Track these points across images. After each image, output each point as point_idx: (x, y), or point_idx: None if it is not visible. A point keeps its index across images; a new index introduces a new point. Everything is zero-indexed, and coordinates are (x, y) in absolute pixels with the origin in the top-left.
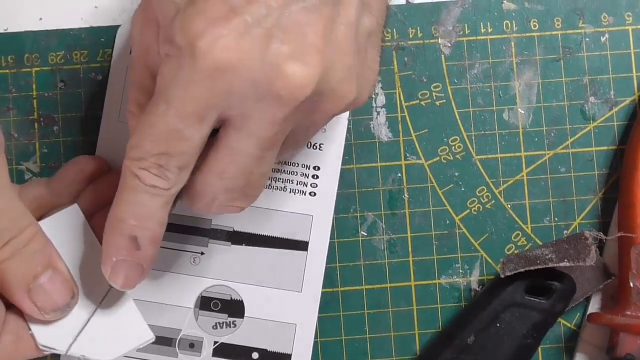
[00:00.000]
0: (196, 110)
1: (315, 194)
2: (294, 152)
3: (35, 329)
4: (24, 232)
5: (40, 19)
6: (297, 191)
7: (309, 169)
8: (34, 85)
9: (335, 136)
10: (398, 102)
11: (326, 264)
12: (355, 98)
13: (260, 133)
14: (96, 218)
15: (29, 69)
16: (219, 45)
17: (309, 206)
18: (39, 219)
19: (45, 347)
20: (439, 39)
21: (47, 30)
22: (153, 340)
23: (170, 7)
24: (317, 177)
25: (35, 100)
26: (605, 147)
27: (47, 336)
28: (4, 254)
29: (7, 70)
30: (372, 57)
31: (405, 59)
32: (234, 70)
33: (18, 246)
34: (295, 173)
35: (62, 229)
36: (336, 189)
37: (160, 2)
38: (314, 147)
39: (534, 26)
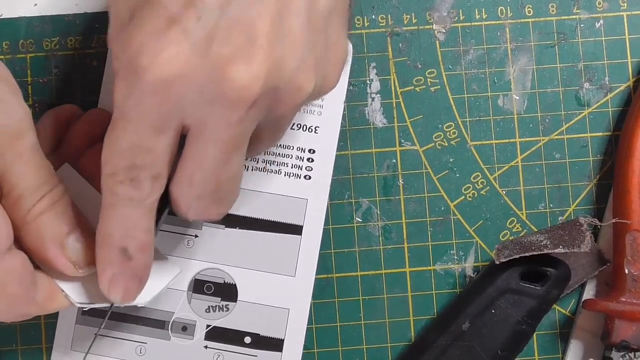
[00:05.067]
0: (151, 123)
1: (310, 177)
2: (272, 145)
3: (66, 287)
4: (56, 188)
5: (35, 4)
6: (291, 174)
7: (304, 152)
8: (28, 71)
9: (331, 118)
10: (393, 88)
11: (321, 250)
12: (320, 85)
13: (219, 137)
14: (82, 161)
15: (23, 55)
16: (160, 59)
17: (303, 189)
18: None
19: (83, 303)
20: (434, 25)
21: (41, 16)
22: (180, 272)
23: (117, 23)
24: (312, 160)
25: (30, 86)
26: (600, 133)
27: (80, 293)
28: (41, 207)
29: (2, 56)
30: (336, 37)
31: (400, 45)
32: (178, 80)
33: (53, 200)
34: (290, 156)
35: None
36: (331, 171)
37: (112, 17)
38: (310, 130)
39: (529, 12)
